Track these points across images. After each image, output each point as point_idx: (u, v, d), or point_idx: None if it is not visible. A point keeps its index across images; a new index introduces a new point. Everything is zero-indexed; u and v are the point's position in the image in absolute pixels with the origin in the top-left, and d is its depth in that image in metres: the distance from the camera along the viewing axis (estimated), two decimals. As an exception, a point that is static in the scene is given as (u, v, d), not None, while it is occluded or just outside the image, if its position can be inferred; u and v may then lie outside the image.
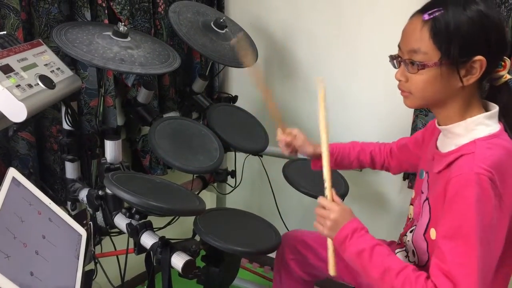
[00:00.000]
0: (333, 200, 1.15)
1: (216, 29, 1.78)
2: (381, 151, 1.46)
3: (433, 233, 1.10)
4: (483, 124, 1.04)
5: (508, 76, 1.06)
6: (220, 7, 2.08)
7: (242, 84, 2.19)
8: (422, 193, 1.19)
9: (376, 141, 1.52)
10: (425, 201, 1.15)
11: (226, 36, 1.80)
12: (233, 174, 1.94)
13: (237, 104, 1.97)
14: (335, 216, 1.10)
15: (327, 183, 1.15)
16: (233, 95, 2.01)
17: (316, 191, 1.62)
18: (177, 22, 1.67)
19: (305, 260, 1.48)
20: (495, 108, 1.06)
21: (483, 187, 0.94)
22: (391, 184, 1.95)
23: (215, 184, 2.04)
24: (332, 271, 1.12)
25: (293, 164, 1.78)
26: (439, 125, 1.12)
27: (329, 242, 1.12)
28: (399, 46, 1.08)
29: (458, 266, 0.94)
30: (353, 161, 1.46)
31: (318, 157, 1.37)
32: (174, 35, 1.87)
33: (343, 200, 1.71)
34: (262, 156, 1.87)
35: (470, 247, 0.94)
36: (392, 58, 1.11)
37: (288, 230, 1.73)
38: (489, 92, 1.10)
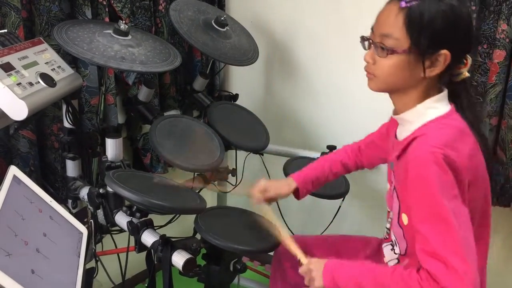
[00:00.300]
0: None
1: (217, 27, 1.77)
2: (349, 154, 1.48)
3: (404, 218, 1.12)
4: (431, 108, 1.08)
5: (467, 74, 1.10)
6: (221, 5, 2.07)
7: (243, 82, 2.19)
8: (392, 182, 1.21)
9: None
10: (394, 190, 1.18)
11: (227, 34, 1.80)
12: (234, 172, 1.93)
13: (238, 102, 1.97)
14: (314, 266, 1.15)
15: (299, 256, 1.23)
16: (234, 94, 2.00)
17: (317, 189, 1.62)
18: (178, 20, 1.67)
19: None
20: (443, 91, 1.09)
21: (440, 164, 0.97)
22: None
23: (216, 183, 2.04)
24: None
25: (294, 162, 1.78)
26: (396, 114, 1.15)
27: None
28: (372, 28, 1.10)
29: (442, 245, 0.96)
30: (327, 175, 1.47)
31: (296, 191, 1.43)
32: (175, 33, 1.87)
33: (343, 198, 1.73)
34: (263, 155, 1.87)
35: (446, 223, 0.96)
36: (363, 39, 1.12)
37: (289, 228, 1.72)
38: (447, 86, 1.12)
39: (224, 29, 1.79)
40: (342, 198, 1.74)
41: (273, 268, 1.56)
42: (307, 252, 1.46)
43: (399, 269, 1.03)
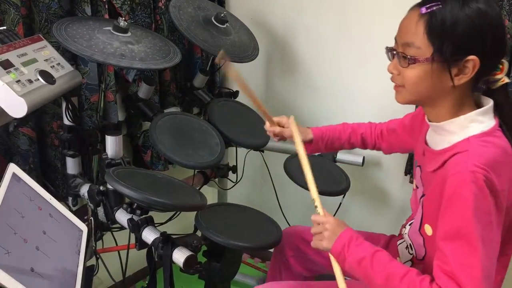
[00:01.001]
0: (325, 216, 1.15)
1: (217, 24, 1.77)
2: (372, 133, 1.46)
3: (428, 229, 1.09)
4: (476, 121, 1.02)
5: (506, 80, 1.04)
6: (221, 1, 2.07)
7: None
8: (417, 188, 1.18)
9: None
10: (421, 197, 1.14)
11: (227, 31, 1.79)
12: (234, 169, 1.93)
13: (238, 99, 1.96)
14: (330, 226, 1.10)
15: (317, 202, 1.17)
16: (234, 90, 2.00)
17: (317, 186, 1.61)
18: (178, 17, 1.66)
19: (305, 256, 1.48)
20: (488, 104, 1.04)
21: (480, 186, 0.93)
22: (392, 179, 1.95)
23: (217, 180, 2.03)
24: (342, 286, 1.08)
25: (295, 159, 1.77)
26: (430, 121, 1.11)
27: (332, 258, 1.10)
28: (395, 38, 1.07)
29: (461, 267, 0.93)
30: (344, 143, 1.45)
31: (309, 143, 1.41)
32: (175, 30, 1.86)
33: (344, 195, 1.73)
34: (263, 151, 1.87)
35: (471, 247, 0.93)
36: (388, 50, 1.09)
37: (289, 225, 1.73)
38: (485, 93, 1.08)
39: (224, 26, 1.78)
40: (343, 195, 1.74)
41: (274, 256, 1.56)
42: (309, 243, 1.45)
43: (412, 273, 1.00)
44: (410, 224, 1.23)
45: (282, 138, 1.43)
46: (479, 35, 0.96)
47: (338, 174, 1.79)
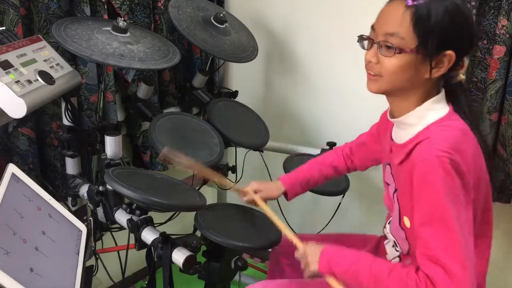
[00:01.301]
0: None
1: (216, 24, 1.77)
2: (340, 156, 1.47)
3: (406, 221, 1.11)
4: (432, 110, 1.06)
5: (463, 77, 1.09)
6: (220, 2, 2.07)
7: (242, 79, 2.19)
8: (388, 184, 1.20)
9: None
10: (394, 192, 1.17)
11: (226, 31, 1.79)
12: (233, 169, 1.93)
13: (238, 99, 1.97)
14: (310, 250, 1.15)
15: (294, 241, 1.22)
16: (234, 90, 2.00)
17: (318, 186, 1.61)
18: (177, 17, 1.66)
19: (300, 263, 1.48)
20: (441, 92, 1.08)
21: (446, 169, 0.96)
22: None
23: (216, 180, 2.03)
24: None
25: (294, 159, 1.78)
26: (392, 117, 1.14)
27: (327, 278, 1.12)
28: (373, 27, 1.07)
29: (443, 250, 0.96)
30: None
31: (285, 194, 1.43)
32: (174, 30, 1.86)
33: (343, 195, 1.73)
34: (262, 151, 1.87)
35: (448, 228, 0.96)
36: (362, 38, 1.09)
37: (289, 225, 1.72)
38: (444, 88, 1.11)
39: (223, 26, 1.78)
40: (342, 195, 1.74)
41: (271, 265, 1.57)
42: None
43: (398, 266, 1.03)
44: (389, 223, 1.25)
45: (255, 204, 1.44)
46: (458, 30, 1.00)
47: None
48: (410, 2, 0.99)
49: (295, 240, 1.22)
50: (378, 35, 1.05)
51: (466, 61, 1.07)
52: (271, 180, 1.90)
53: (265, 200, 1.41)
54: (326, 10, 1.92)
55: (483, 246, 1.14)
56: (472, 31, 1.04)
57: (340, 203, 1.78)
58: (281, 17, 2.05)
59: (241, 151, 1.91)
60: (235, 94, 1.98)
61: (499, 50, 1.52)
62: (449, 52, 1.00)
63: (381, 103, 1.81)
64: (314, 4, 1.94)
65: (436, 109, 1.06)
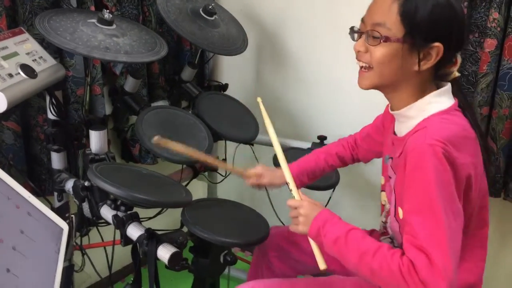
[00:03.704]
0: (300, 199, 1.17)
1: (205, 16, 1.74)
2: (345, 147, 1.46)
3: (400, 213, 1.10)
4: (434, 102, 1.06)
5: (457, 74, 1.09)
6: (210, -7, 2.04)
7: (232, 72, 2.16)
8: (390, 178, 1.19)
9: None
10: (392, 184, 1.16)
11: (215, 23, 1.76)
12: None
13: (228, 92, 1.94)
14: (304, 211, 1.12)
15: (291, 185, 1.20)
16: (224, 83, 1.98)
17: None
18: (165, 9, 1.64)
19: (288, 255, 1.47)
20: (445, 86, 1.07)
21: (439, 158, 0.95)
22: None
23: (206, 173, 2.02)
24: (321, 265, 1.11)
25: (285, 153, 1.76)
26: (392, 110, 1.13)
27: (311, 240, 1.12)
28: (362, 19, 1.09)
29: (428, 238, 0.96)
30: (324, 169, 1.46)
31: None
32: (163, 22, 1.83)
33: (334, 189, 1.71)
34: (253, 145, 1.85)
35: (436, 217, 0.96)
36: (353, 30, 1.11)
37: (280, 219, 1.71)
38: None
39: (212, 18, 1.76)
40: (332, 189, 1.72)
41: (256, 256, 1.55)
42: (298, 242, 1.45)
43: (383, 248, 1.02)
44: (385, 216, 1.25)
45: (261, 187, 1.43)
46: (447, 25, 1.01)
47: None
48: None
49: (292, 185, 1.20)
50: (367, 26, 1.06)
51: (459, 58, 1.07)
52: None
53: (267, 187, 1.42)
54: (318, 2, 1.90)
55: (480, 237, 1.15)
56: (462, 25, 1.04)
57: (330, 197, 1.77)
58: (272, 9, 2.02)
59: (231, 144, 1.89)
60: (225, 87, 1.96)
61: (490, 44, 1.50)
62: (436, 44, 1.00)
63: (372, 97, 1.80)
64: (305, -4, 1.91)
65: (438, 102, 1.06)
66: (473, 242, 1.11)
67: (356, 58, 1.10)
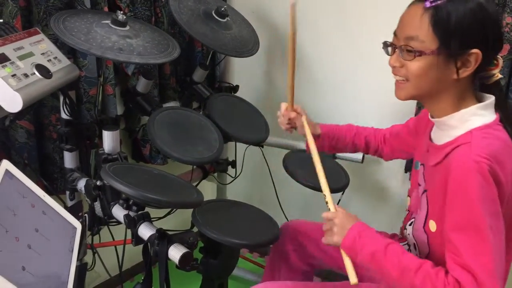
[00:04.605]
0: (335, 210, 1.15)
1: (217, 18, 1.75)
2: (376, 137, 1.46)
3: (432, 225, 1.09)
4: (477, 115, 1.04)
5: (499, 75, 1.07)
6: (222, -5, 2.05)
7: (243, 73, 2.17)
8: (419, 185, 1.18)
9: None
10: (423, 193, 1.14)
11: (227, 25, 1.77)
12: (233, 164, 1.92)
13: (238, 94, 1.95)
14: (339, 221, 1.11)
15: (327, 198, 1.18)
16: (234, 85, 1.99)
17: (316, 182, 1.60)
18: (178, 11, 1.65)
19: (305, 250, 1.47)
20: (489, 99, 1.05)
21: (484, 175, 0.94)
22: (392, 176, 1.94)
23: (216, 174, 2.03)
24: (353, 279, 1.07)
25: (294, 155, 1.77)
26: (432, 117, 1.12)
27: (343, 253, 1.10)
28: (395, 33, 1.07)
29: (474, 257, 0.94)
30: (347, 144, 1.46)
31: (316, 136, 1.40)
32: (175, 23, 1.85)
33: (343, 192, 1.71)
34: (263, 147, 1.86)
35: (481, 236, 0.94)
36: (386, 45, 1.10)
37: (287, 219, 1.72)
38: (480, 90, 1.10)
39: (225, 20, 1.77)
40: (342, 192, 1.72)
41: (273, 251, 1.55)
42: (308, 237, 1.45)
43: (427, 265, 1.01)
44: (410, 224, 1.22)
45: (292, 126, 1.43)
46: (482, 29, 0.98)
47: (337, 170, 1.77)
48: (428, 4, 0.98)
49: (328, 197, 1.18)
50: (400, 40, 1.05)
51: (501, 60, 1.06)
52: (271, 176, 1.90)
53: (297, 126, 1.42)
54: (329, 5, 1.90)
55: (508, 249, 1.12)
56: (497, 26, 1.02)
57: (339, 200, 1.77)
58: (284, 11, 2.01)
59: (241, 146, 1.90)
60: (235, 88, 1.97)
61: (503, 48, 1.50)
62: (474, 51, 0.98)
63: (385, 101, 1.80)
64: (317, -2, 1.92)
65: (482, 115, 1.04)
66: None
67: (392, 72, 1.09)
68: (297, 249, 1.49)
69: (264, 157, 1.90)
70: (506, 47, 1.50)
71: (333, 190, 1.68)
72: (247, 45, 1.79)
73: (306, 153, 1.33)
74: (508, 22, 1.47)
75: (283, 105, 1.43)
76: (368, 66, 1.86)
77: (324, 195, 1.19)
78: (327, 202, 1.17)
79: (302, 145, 1.90)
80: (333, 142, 1.44)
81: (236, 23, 1.84)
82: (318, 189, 1.64)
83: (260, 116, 1.84)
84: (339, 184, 1.71)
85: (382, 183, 1.98)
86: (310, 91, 2.05)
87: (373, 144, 1.46)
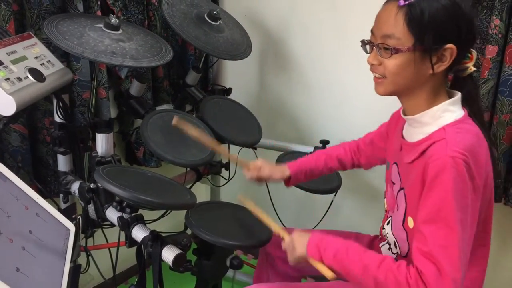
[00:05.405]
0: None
1: (210, 21, 1.76)
2: (347, 151, 1.47)
3: (410, 222, 1.11)
4: (448, 111, 1.07)
5: (473, 68, 1.10)
6: (214, -2, 2.06)
7: (236, 76, 2.18)
8: (394, 183, 1.20)
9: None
10: (399, 191, 1.16)
11: (220, 28, 1.79)
12: (227, 166, 1.93)
13: (231, 96, 1.96)
14: (297, 237, 1.16)
15: (281, 234, 1.22)
16: (227, 88, 2.00)
17: (308, 184, 1.62)
18: (170, 14, 1.66)
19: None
20: (457, 95, 1.08)
21: (459, 170, 0.96)
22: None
23: (209, 177, 2.03)
24: (329, 274, 1.10)
25: (287, 157, 1.78)
26: (405, 115, 1.14)
27: (311, 260, 1.13)
28: (372, 31, 1.10)
29: (440, 248, 0.97)
30: (322, 170, 1.47)
31: (288, 179, 1.44)
32: (168, 26, 1.86)
33: (335, 193, 1.73)
34: (256, 149, 1.87)
35: (450, 229, 0.96)
36: (364, 43, 1.12)
37: (281, 222, 1.73)
38: (452, 83, 1.13)
39: (217, 23, 1.78)
40: (334, 193, 1.74)
41: (261, 257, 1.56)
42: None
43: (388, 260, 1.03)
44: (388, 223, 1.25)
45: (261, 181, 1.45)
46: (456, 24, 1.01)
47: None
48: (401, 3, 1.01)
49: (282, 232, 1.22)
50: (377, 38, 1.07)
51: (475, 53, 1.08)
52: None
53: (266, 180, 1.44)
54: (321, 7, 1.91)
55: (480, 255, 1.15)
56: (472, 23, 1.04)
57: (332, 201, 1.78)
58: (276, 14, 2.04)
59: (234, 148, 1.91)
60: (228, 91, 1.98)
61: (491, 50, 1.52)
62: (449, 45, 1.01)
63: (376, 102, 1.82)
64: (309, 1, 1.93)
65: (452, 111, 1.07)
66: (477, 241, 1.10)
67: (370, 69, 1.12)
68: (284, 257, 1.49)
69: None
70: (495, 49, 1.52)
71: (325, 192, 1.71)
72: (240, 48, 1.80)
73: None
74: (496, 24, 1.49)
75: (244, 170, 1.45)
76: (361, 68, 1.82)
77: (278, 233, 1.24)
78: (282, 237, 1.21)
79: (295, 147, 1.91)
80: (308, 175, 1.46)
81: (229, 26, 1.85)
82: (312, 190, 1.67)
83: (253, 118, 1.85)
84: (331, 185, 1.72)
85: (374, 184, 1.99)
86: (304, 94, 2.07)
87: (347, 160, 1.47)
